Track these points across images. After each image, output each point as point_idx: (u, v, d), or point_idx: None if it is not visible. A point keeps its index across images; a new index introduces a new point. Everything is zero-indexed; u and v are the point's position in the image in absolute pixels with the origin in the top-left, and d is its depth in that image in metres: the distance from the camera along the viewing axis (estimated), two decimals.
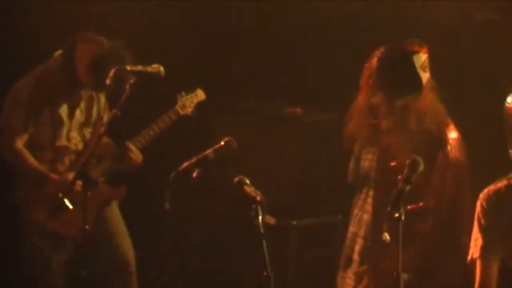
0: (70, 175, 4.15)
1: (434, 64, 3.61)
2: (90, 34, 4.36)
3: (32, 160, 4.27)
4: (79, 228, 3.75)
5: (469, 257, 3.19)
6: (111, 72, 3.90)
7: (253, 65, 5.83)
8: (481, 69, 5.25)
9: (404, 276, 3.33)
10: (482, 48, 5.27)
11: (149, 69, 3.98)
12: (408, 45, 3.66)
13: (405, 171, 3.12)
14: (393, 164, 3.62)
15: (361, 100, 3.69)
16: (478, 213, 3.17)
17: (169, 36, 5.57)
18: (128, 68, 3.97)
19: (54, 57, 4.42)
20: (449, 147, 3.60)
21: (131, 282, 4.49)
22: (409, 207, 3.29)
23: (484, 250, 3.12)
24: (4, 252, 4.48)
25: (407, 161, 3.16)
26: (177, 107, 4.55)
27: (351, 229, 3.77)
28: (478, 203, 3.18)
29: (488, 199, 3.16)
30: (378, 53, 3.66)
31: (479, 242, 3.14)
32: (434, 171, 3.55)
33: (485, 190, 3.20)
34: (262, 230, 3.33)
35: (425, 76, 3.65)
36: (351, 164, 3.83)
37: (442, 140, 3.60)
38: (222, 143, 3.65)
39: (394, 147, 3.63)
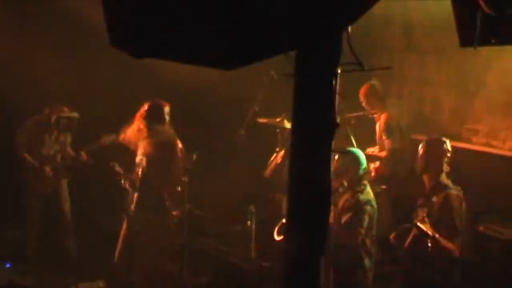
0: (48, 168, 8.53)
1: None
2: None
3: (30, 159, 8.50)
4: (51, 188, 8.58)
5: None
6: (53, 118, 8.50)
7: None
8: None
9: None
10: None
11: (74, 115, 8.51)
12: (162, 102, 7.51)
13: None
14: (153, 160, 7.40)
15: (134, 124, 7.45)
16: None
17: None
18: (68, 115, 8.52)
19: None
20: (178, 147, 7.52)
21: (69, 226, 8.61)
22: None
23: None
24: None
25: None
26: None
27: None
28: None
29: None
30: (146, 104, 7.48)
31: None
32: (173, 158, 7.49)
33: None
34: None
35: (167, 118, 7.49)
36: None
37: (176, 144, 7.50)
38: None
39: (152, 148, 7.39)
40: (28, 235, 8.59)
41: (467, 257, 6.61)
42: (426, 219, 6.19)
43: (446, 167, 6.54)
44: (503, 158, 8.32)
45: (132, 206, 7.46)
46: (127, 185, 7.39)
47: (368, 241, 6.68)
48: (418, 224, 6.18)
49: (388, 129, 8.70)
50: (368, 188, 6.79)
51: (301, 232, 3.06)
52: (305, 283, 3.09)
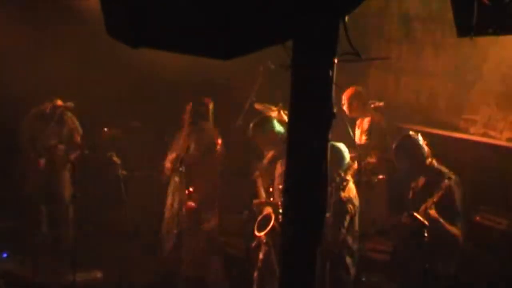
0: (42, 160, 8.51)
1: None
2: None
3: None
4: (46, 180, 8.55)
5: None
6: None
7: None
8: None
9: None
10: None
11: (69, 104, 8.58)
12: (207, 99, 7.83)
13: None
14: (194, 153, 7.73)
15: (185, 128, 7.84)
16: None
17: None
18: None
19: None
20: (218, 144, 7.83)
21: (67, 217, 8.37)
22: None
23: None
24: None
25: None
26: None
27: None
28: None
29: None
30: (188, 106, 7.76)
31: None
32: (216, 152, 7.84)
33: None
34: (121, 177, 7.58)
35: (210, 115, 7.74)
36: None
37: (216, 140, 7.85)
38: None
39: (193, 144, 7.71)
40: (26, 225, 8.58)
41: (463, 247, 6.63)
42: (433, 206, 6.19)
43: (430, 155, 6.57)
44: (500, 148, 8.34)
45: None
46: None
47: (350, 239, 6.66)
48: (415, 214, 6.19)
49: (371, 132, 8.61)
50: (351, 184, 6.73)
51: (297, 223, 3.08)
52: (301, 272, 3.10)
